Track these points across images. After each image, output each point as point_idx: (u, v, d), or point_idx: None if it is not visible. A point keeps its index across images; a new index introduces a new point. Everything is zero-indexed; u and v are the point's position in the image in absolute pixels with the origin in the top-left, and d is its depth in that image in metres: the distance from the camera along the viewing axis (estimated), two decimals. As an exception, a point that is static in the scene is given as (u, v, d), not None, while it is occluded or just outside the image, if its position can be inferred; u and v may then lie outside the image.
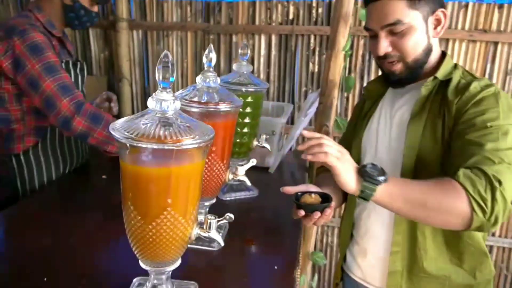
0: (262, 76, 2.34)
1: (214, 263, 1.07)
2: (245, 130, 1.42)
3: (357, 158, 1.22)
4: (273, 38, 2.28)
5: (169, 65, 0.73)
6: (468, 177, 0.87)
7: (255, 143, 1.48)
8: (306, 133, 1.01)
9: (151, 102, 0.74)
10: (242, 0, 2.25)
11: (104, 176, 1.61)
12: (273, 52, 2.30)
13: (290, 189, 1.05)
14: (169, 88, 0.75)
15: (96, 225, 1.23)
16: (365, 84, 2.23)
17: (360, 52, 2.22)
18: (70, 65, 1.55)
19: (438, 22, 1.06)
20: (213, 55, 1.07)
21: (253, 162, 1.16)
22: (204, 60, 1.07)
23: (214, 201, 1.12)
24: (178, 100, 0.75)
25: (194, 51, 2.38)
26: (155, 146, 0.68)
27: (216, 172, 1.08)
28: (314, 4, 2.20)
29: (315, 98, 1.85)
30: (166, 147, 0.69)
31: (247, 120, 1.41)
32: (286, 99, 2.34)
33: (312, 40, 2.25)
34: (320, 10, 2.20)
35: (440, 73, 1.07)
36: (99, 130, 1.42)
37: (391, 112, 1.17)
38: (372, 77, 2.24)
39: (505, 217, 0.87)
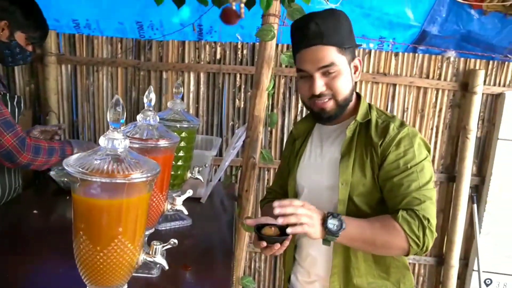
0: (191, 111, 2.46)
1: (154, 288, 1.15)
2: (180, 163, 1.53)
3: (293, 192, 1.37)
4: (202, 75, 2.43)
5: (120, 108, 0.83)
6: (405, 219, 1.09)
7: (188, 175, 1.59)
8: (278, 206, 1.06)
9: (103, 141, 0.84)
10: (172, 40, 2.38)
11: (35, 211, 1.61)
12: (202, 88, 2.44)
13: (251, 222, 1.19)
14: (119, 128, 0.85)
15: (36, 257, 1.24)
16: (287, 119, 2.45)
17: (281, 90, 2.44)
18: (8, 98, 1.57)
19: (356, 68, 1.25)
20: (152, 96, 1.17)
21: (189, 193, 1.26)
22: (145, 100, 1.17)
23: (153, 230, 1.20)
24: (127, 139, 0.85)
25: (125, 87, 2.44)
26: (112, 181, 0.77)
27: (156, 203, 1.16)
28: (239, 46, 2.39)
29: (242, 133, 2.00)
30: (119, 181, 0.79)
31: (181, 153, 1.52)
32: (214, 132, 2.48)
33: (238, 78, 2.43)
34: (245, 51, 2.40)
35: (359, 116, 1.24)
36: (39, 159, 1.52)
37: (321, 151, 1.32)
38: (293, 112, 2.46)
39: (432, 244, 1.12)
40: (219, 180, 2.10)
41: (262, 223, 1.19)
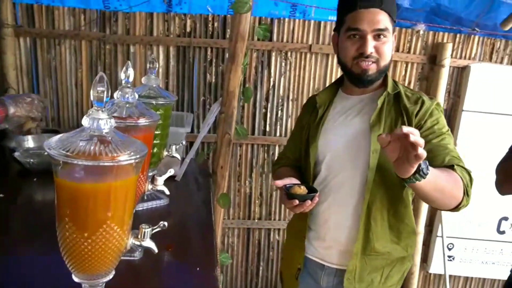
0: (161, 86, 2.37)
1: (139, 271, 1.12)
2: (156, 141, 1.47)
3: (314, 159, 1.38)
4: (171, 49, 2.34)
5: (104, 86, 0.78)
6: (462, 172, 1.16)
7: (165, 153, 1.54)
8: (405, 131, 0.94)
9: (86, 121, 0.78)
10: (139, 11, 2.26)
11: (1, 195, 1.52)
12: (172, 63, 2.36)
13: (280, 182, 1.23)
14: (103, 107, 0.80)
15: (15, 243, 1.18)
16: (259, 93, 2.42)
17: (254, 64, 2.40)
18: None
19: (395, 38, 1.33)
20: (131, 71, 1.11)
21: (170, 172, 1.23)
22: (122, 76, 1.11)
23: (133, 211, 1.16)
24: (113, 119, 0.81)
25: (89, 61, 2.32)
26: (100, 163, 0.73)
27: (137, 184, 1.12)
28: (210, 18, 2.31)
29: (217, 108, 1.97)
30: (107, 164, 0.74)
31: (157, 131, 1.47)
32: (185, 108, 2.42)
33: (209, 52, 2.36)
34: (216, 24, 2.33)
35: (390, 88, 1.32)
36: None
37: (345, 120, 1.36)
38: (265, 87, 2.43)
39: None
40: (192, 157, 2.06)
41: (288, 183, 1.25)
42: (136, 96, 1.12)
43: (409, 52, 2.46)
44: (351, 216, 1.33)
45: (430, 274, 2.84)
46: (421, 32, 2.42)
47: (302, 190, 1.22)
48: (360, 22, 1.24)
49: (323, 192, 1.36)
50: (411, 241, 1.40)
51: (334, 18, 2.34)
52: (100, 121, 0.78)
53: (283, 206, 2.56)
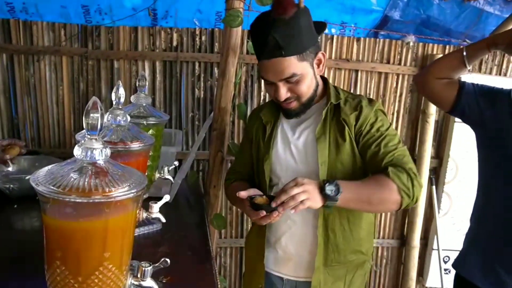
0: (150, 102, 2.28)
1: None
2: (148, 163, 1.39)
3: (269, 176, 1.38)
4: (157, 64, 2.25)
5: (98, 113, 0.70)
6: (394, 173, 1.17)
7: (157, 175, 1.46)
8: (276, 204, 1.11)
9: (78, 151, 0.70)
10: (123, 25, 2.18)
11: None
12: (158, 78, 2.27)
13: (244, 193, 1.20)
14: (97, 136, 0.71)
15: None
16: (249, 108, 2.35)
17: (243, 78, 2.33)
18: None
19: (319, 61, 1.28)
20: (122, 92, 1.04)
21: (166, 198, 1.14)
22: (113, 97, 1.04)
23: (132, 247, 1.07)
24: (108, 148, 0.72)
25: (71, 78, 2.21)
26: (96, 200, 0.64)
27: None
28: (197, 32, 2.24)
29: (208, 124, 1.89)
30: (103, 200, 0.66)
31: (149, 152, 1.38)
32: (173, 125, 2.33)
33: (197, 67, 2.29)
34: (203, 38, 2.25)
35: (333, 98, 1.30)
36: None
37: (294, 134, 1.35)
38: (255, 101, 2.36)
39: (420, 194, 1.21)
40: (185, 176, 1.97)
41: (252, 194, 1.21)
42: (128, 118, 1.05)
43: (400, 64, 2.43)
44: (309, 228, 1.34)
45: None
46: (411, 44, 2.40)
47: (266, 201, 1.19)
48: (266, 74, 1.23)
49: None
50: (370, 243, 1.43)
51: (333, 30, 2.32)
52: (94, 151, 0.70)
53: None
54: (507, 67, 2.53)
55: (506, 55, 2.48)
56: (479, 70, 2.49)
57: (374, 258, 2.72)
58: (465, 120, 1.44)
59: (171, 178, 1.48)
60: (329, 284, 1.35)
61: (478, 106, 1.36)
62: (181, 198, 1.88)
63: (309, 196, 1.09)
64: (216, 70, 2.27)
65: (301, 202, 1.07)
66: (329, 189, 1.11)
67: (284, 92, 1.23)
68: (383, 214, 2.66)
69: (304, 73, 1.22)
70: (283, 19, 1.15)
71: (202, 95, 2.33)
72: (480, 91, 1.38)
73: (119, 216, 0.70)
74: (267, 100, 2.34)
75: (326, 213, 1.31)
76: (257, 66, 1.30)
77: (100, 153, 0.70)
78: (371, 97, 2.42)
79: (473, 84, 1.41)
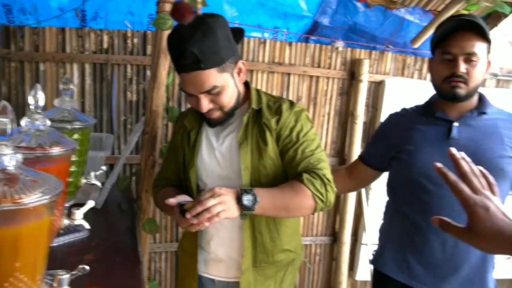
0: (76, 105, 2.20)
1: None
2: (73, 168, 1.34)
3: (196, 183, 1.37)
4: (87, 66, 2.18)
5: (8, 117, 0.68)
6: (309, 180, 1.20)
7: (83, 180, 1.41)
8: (191, 216, 1.09)
9: (-15, 158, 0.67)
10: (49, 26, 2.09)
11: None
12: (88, 81, 2.20)
13: (173, 200, 1.16)
14: (8, 141, 0.69)
15: None
16: (183, 110, 2.34)
17: (177, 81, 2.32)
18: None
19: (240, 70, 1.28)
20: (40, 95, 1.00)
21: (90, 204, 1.12)
22: (31, 100, 0.99)
23: (47, 255, 1.03)
24: (20, 154, 0.70)
25: (-9, 80, 2.09)
26: (4, 208, 0.62)
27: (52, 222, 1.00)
28: (129, 34, 2.20)
29: (140, 128, 1.86)
30: (12, 208, 0.64)
31: (74, 158, 1.34)
32: (104, 129, 2.26)
33: (128, 70, 2.24)
34: (135, 40, 2.22)
35: (254, 103, 1.31)
36: None
37: (218, 140, 1.35)
38: (189, 104, 2.35)
39: (334, 199, 1.26)
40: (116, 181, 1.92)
41: (181, 201, 1.18)
42: (48, 122, 1.01)
43: (330, 67, 2.54)
44: (237, 230, 1.35)
45: (357, 281, 2.92)
46: (340, 49, 2.52)
47: None
48: (186, 86, 1.21)
49: None
50: (297, 241, 1.46)
51: (257, 34, 2.36)
52: (3, 157, 0.67)
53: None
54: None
55: (426, 61, 2.67)
56: (402, 74, 2.66)
57: (307, 255, 2.81)
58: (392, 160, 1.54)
59: (98, 183, 1.43)
60: (259, 284, 1.37)
61: (383, 150, 1.54)
62: (112, 204, 1.83)
63: (225, 208, 1.08)
64: (148, 73, 2.24)
65: (217, 214, 1.07)
66: (246, 199, 1.11)
67: (206, 104, 1.22)
68: (316, 213, 2.75)
69: (225, 84, 1.21)
70: (198, 31, 1.14)
71: (134, 98, 2.29)
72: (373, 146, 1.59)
73: (32, 224, 0.68)
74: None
75: (252, 216, 1.31)
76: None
77: (10, 159, 0.67)
78: (303, 99, 2.51)
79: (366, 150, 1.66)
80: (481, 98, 1.43)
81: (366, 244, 2.74)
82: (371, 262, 1.64)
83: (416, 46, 2.31)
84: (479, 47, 1.32)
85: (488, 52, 1.36)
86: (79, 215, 1.09)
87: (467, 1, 1.98)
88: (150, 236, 2.35)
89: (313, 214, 1.25)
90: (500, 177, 1.33)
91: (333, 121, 2.63)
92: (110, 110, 2.27)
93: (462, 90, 1.34)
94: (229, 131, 1.35)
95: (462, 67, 1.31)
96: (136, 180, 2.28)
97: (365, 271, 2.80)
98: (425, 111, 1.47)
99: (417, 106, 1.55)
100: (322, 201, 1.21)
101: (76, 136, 1.33)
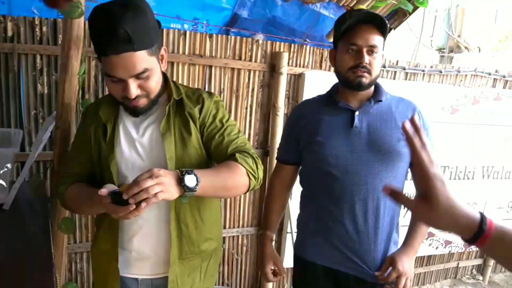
0: (-23, 99, 2.03)
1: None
2: (-28, 167, 1.24)
3: (117, 176, 1.30)
4: (-11, 56, 2.01)
5: None
6: (242, 158, 1.24)
7: (-15, 180, 1.31)
8: (127, 195, 1.03)
9: None
10: None
11: None
12: (-9, 72, 2.03)
13: (105, 191, 1.08)
14: None
15: None
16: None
17: (92, 73, 2.22)
18: None
19: (162, 57, 1.26)
20: None
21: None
22: None
23: None
24: None
25: None
26: None
27: None
28: (37, 22, 2.06)
29: (50, 123, 1.75)
30: None
31: (-27, 156, 1.24)
32: (12, 124, 2.11)
33: (38, 60, 2.10)
34: (44, 28, 2.08)
35: (175, 94, 1.31)
36: None
37: (139, 131, 1.32)
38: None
39: (262, 176, 1.31)
40: (24, 180, 1.80)
41: (112, 189, 1.10)
42: None
43: (250, 60, 2.56)
44: (162, 224, 1.33)
45: (285, 269, 3.00)
46: (260, 42, 2.55)
47: None
48: (115, 70, 1.15)
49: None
50: (219, 229, 1.51)
51: (176, 26, 2.33)
52: None
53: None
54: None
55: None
56: (320, 67, 2.76)
57: (234, 246, 2.85)
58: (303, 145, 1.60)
59: (3, 182, 1.34)
60: (186, 276, 1.37)
61: (294, 143, 1.61)
62: (22, 204, 1.71)
63: (163, 189, 1.04)
64: (60, 64, 2.11)
65: (155, 195, 1.03)
66: (189, 179, 1.09)
67: (134, 89, 1.17)
68: (242, 204, 2.79)
69: (154, 68, 1.19)
70: (128, 10, 1.10)
71: (46, 91, 2.15)
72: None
73: None
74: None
75: (177, 207, 1.31)
76: (99, 62, 1.21)
77: None
78: (225, 92, 2.52)
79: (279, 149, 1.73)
80: (376, 87, 1.53)
81: (291, 233, 2.83)
82: (294, 252, 1.71)
83: (331, 40, 2.41)
84: (378, 40, 1.42)
85: (383, 46, 1.46)
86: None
87: (376, -3, 2.10)
88: (69, 236, 2.24)
89: (247, 192, 1.30)
90: (399, 159, 1.46)
91: (255, 113, 2.67)
92: (19, 103, 2.11)
93: (366, 80, 1.43)
94: (149, 122, 1.32)
95: (366, 58, 1.40)
96: (50, 177, 2.16)
97: (291, 259, 2.88)
98: (328, 101, 1.55)
99: (319, 96, 1.63)
100: (255, 178, 1.26)
101: (-26, 132, 1.22)
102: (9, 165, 1.37)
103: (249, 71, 2.58)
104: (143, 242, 1.36)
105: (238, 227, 2.81)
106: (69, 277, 2.40)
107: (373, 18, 1.42)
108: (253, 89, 2.62)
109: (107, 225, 1.37)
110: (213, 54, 2.46)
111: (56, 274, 1.29)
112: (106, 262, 1.39)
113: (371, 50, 1.41)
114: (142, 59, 1.14)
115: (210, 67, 2.47)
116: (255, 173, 1.26)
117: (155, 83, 1.22)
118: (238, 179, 1.23)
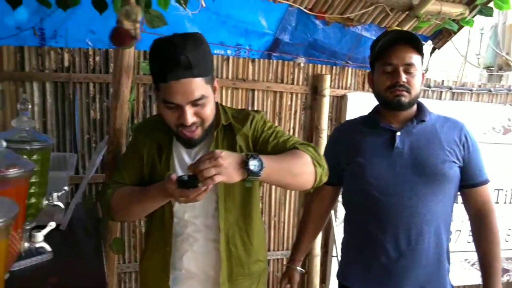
0: (37, 125, 2.16)
1: None
2: (32, 190, 1.32)
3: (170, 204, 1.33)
4: (48, 85, 2.15)
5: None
6: (303, 147, 1.22)
7: (45, 202, 1.38)
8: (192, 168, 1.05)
9: None
10: (7, 45, 2.05)
11: None
12: (49, 100, 2.17)
13: (174, 176, 1.09)
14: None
15: None
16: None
17: (141, 99, 2.32)
18: None
19: (215, 88, 1.29)
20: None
21: (51, 226, 1.10)
22: (-14, 123, 0.98)
23: (8, 275, 1.01)
24: (-27, 176, 0.69)
25: None
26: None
27: (9, 244, 0.98)
28: (90, 52, 2.19)
29: (103, 147, 1.84)
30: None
31: (34, 179, 1.31)
32: (68, 148, 2.23)
33: (91, 88, 2.22)
34: (97, 58, 2.21)
35: (224, 119, 1.33)
36: None
37: (190, 158, 1.35)
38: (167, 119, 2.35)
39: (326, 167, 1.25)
40: (81, 200, 1.88)
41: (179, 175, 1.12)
42: (4, 144, 0.99)
43: (292, 83, 2.59)
44: (212, 244, 1.34)
45: (329, 293, 2.95)
46: (302, 65, 2.58)
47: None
48: (173, 96, 1.17)
49: (179, 225, 1.36)
50: (264, 250, 1.49)
51: (219, 51, 2.40)
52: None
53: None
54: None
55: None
56: (363, 88, 2.75)
57: (279, 269, 2.82)
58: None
59: (61, 204, 1.41)
60: None
61: (335, 164, 1.51)
62: (77, 225, 1.79)
63: (221, 171, 1.04)
64: (112, 91, 2.22)
65: (211, 177, 1.02)
66: (253, 164, 1.07)
67: (190, 116, 1.19)
68: (286, 226, 2.78)
69: (210, 96, 1.22)
70: (189, 40, 1.16)
71: (98, 117, 2.26)
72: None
73: (-14, 248, 0.67)
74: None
75: (226, 228, 1.32)
76: (155, 90, 1.24)
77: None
78: (268, 115, 2.56)
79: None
80: (419, 107, 1.49)
81: (336, 256, 2.78)
82: (337, 276, 1.67)
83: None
84: (415, 59, 1.40)
85: (422, 64, 1.44)
86: (39, 238, 1.07)
87: (418, 18, 2.08)
88: (119, 256, 2.31)
89: (314, 184, 1.22)
90: (445, 181, 1.41)
91: (298, 135, 2.68)
92: (73, 129, 2.23)
93: (405, 99, 1.40)
94: (199, 148, 1.35)
95: (403, 77, 1.38)
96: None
97: (336, 284, 2.83)
98: (370, 122, 1.53)
99: (361, 117, 1.60)
100: (320, 165, 1.20)
101: (35, 156, 1.30)
102: (66, 188, 1.45)
103: (291, 93, 2.61)
104: (192, 260, 1.37)
105: (282, 249, 2.79)
106: (117, 297, 2.46)
107: (406, 37, 1.40)
108: (295, 112, 2.64)
109: (158, 243, 1.40)
110: (256, 78, 2.51)
111: (108, 293, 1.33)
112: (156, 280, 1.41)
113: (408, 68, 1.39)
114: (200, 85, 1.17)
115: (253, 90, 2.51)
116: (320, 161, 1.22)
117: (209, 111, 1.23)
118: (304, 166, 1.19)
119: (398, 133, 1.44)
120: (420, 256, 1.41)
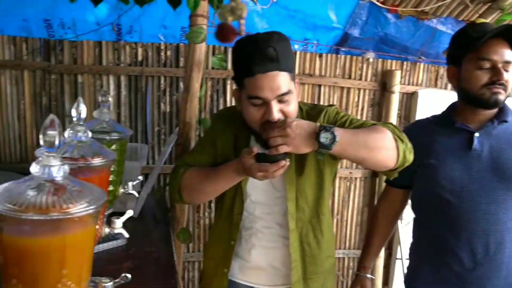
0: (112, 116, 2.27)
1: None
2: (111, 178, 1.39)
3: (245, 193, 1.34)
4: (122, 78, 2.25)
5: (56, 130, 0.71)
6: (382, 123, 1.18)
7: (121, 190, 1.45)
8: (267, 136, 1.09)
9: (36, 168, 0.71)
10: (87, 40, 2.17)
11: None
12: (123, 92, 2.27)
13: (256, 149, 1.12)
14: (55, 153, 0.72)
15: None
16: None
17: (209, 93, 2.37)
18: None
19: (297, 87, 1.26)
20: (82, 108, 1.04)
21: (129, 213, 1.15)
22: (74, 113, 1.03)
23: (92, 263, 1.07)
24: (67, 165, 0.73)
25: (33, 92, 2.18)
26: (54, 217, 0.65)
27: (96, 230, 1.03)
28: (162, 47, 2.26)
29: (173, 139, 1.90)
30: (61, 217, 0.67)
31: (112, 168, 1.38)
32: (139, 139, 2.32)
33: (162, 81, 2.30)
34: (168, 52, 2.28)
35: (300, 115, 1.30)
36: None
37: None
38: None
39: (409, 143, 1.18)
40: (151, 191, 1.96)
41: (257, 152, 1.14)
42: (90, 134, 1.05)
43: (360, 79, 2.52)
44: (281, 241, 1.33)
45: (391, 296, 2.86)
46: (371, 60, 2.50)
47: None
48: (260, 90, 1.14)
49: (248, 219, 1.36)
50: (334, 242, 1.48)
51: (296, 47, 2.38)
52: (52, 168, 0.70)
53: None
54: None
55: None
56: (435, 85, 2.62)
57: (340, 268, 2.77)
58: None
59: (135, 193, 1.47)
60: None
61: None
62: (147, 213, 1.87)
63: (287, 141, 1.04)
64: (181, 85, 2.29)
65: (275, 147, 1.04)
66: (324, 136, 1.05)
67: (276, 112, 1.14)
68: (349, 225, 2.72)
69: (294, 92, 1.19)
70: (274, 35, 1.16)
71: (168, 110, 2.34)
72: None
73: (78, 233, 0.71)
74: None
75: (299, 227, 1.30)
76: (238, 90, 1.23)
77: (58, 170, 0.71)
78: (334, 111, 2.50)
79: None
80: (501, 106, 1.39)
81: (401, 259, 2.69)
82: (404, 280, 1.60)
83: (449, 56, 2.27)
84: (511, 55, 1.31)
85: None
86: (119, 224, 1.13)
87: (502, 10, 1.94)
88: (183, 245, 2.38)
89: (398, 162, 1.14)
90: None
91: (364, 132, 2.61)
92: (144, 120, 2.32)
93: (502, 96, 1.32)
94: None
95: (505, 75, 1.29)
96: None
97: (399, 286, 2.74)
98: (444, 121, 1.45)
99: (434, 117, 1.52)
100: (401, 140, 1.14)
101: (114, 146, 1.37)
102: (140, 177, 1.51)
103: (359, 89, 2.54)
104: (261, 255, 1.37)
105: (345, 248, 2.74)
106: (182, 284, 2.54)
107: (509, 32, 1.30)
108: (362, 108, 2.57)
109: (223, 236, 1.41)
110: (323, 73, 2.46)
111: (179, 281, 1.38)
112: (214, 266, 1.44)
113: (506, 66, 1.30)
114: (286, 80, 1.14)
115: (319, 86, 2.48)
116: (401, 135, 1.15)
117: (294, 107, 1.20)
118: (382, 140, 1.12)
119: (477, 134, 1.36)
120: (500, 266, 1.32)
